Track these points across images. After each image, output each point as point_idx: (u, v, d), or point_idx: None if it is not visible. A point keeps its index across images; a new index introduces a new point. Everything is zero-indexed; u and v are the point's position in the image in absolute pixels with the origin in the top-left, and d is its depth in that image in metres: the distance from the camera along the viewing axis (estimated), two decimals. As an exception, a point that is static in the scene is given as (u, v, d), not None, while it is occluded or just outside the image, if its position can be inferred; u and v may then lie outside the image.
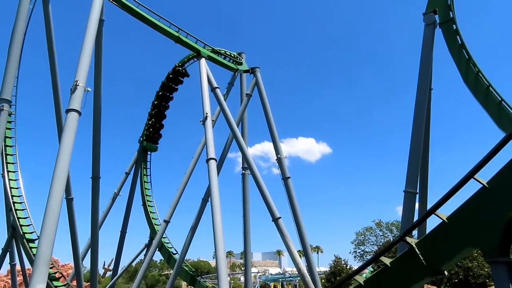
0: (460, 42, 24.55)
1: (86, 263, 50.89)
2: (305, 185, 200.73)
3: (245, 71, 41.03)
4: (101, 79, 27.34)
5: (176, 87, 43.40)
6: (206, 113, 29.96)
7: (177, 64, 41.76)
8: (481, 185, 9.23)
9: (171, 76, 42.00)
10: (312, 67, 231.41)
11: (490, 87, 23.54)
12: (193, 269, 45.60)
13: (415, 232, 24.48)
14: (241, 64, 41.11)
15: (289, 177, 34.78)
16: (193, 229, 36.85)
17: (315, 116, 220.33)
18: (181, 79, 42.96)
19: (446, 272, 10.61)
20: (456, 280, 45.23)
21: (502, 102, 22.88)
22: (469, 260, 43.74)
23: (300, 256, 34.31)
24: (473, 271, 43.90)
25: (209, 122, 29.81)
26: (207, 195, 34.34)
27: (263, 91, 38.14)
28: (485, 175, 9.41)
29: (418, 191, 24.33)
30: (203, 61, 33.66)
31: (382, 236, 60.25)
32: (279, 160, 35.84)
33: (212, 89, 33.67)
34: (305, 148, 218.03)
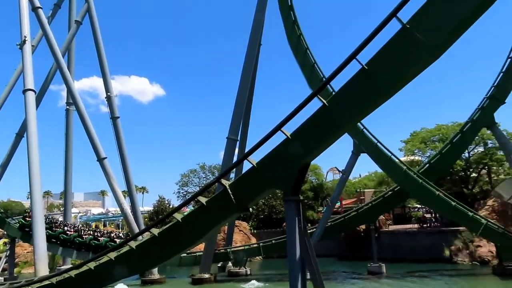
0: (289, 4, 26.89)
1: None
2: (135, 126, 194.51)
3: (75, -7, 36.80)
4: None
5: None
6: (25, 36, 26.31)
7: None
8: (286, 137, 10.90)
9: None
10: (153, 4, 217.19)
11: (308, 50, 26.79)
12: (2, 210, 41.00)
13: (233, 175, 26.89)
14: (70, -17, 36.60)
15: (118, 117, 33.67)
16: (4, 167, 33.15)
17: (150, 56, 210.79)
18: None
19: (251, 209, 12.40)
20: (262, 216, 52.10)
21: (315, 64, 26.43)
22: (274, 199, 50.68)
23: (124, 196, 34.39)
24: (275, 208, 51.21)
25: (27, 47, 26.31)
26: (23, 130, 31.03)
27: (95, 19, 34.95)
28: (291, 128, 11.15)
29: (239, 138, 26.68)
30: (21, -29, 28.68)
31: (204, 178, 64.19)
32: (108, 98, 34.18)
33: (33, 9, 29.35)
34: (138, 87, 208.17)
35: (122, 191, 33.20)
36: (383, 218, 42.80)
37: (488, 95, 25.82)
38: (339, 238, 40.10)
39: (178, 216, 12.54)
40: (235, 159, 25.68)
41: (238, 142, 26.66)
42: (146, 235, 14.40)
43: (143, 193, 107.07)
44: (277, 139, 11.17)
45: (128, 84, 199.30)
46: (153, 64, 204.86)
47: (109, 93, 34.11)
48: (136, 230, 28.71)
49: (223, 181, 11.71)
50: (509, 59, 24.40)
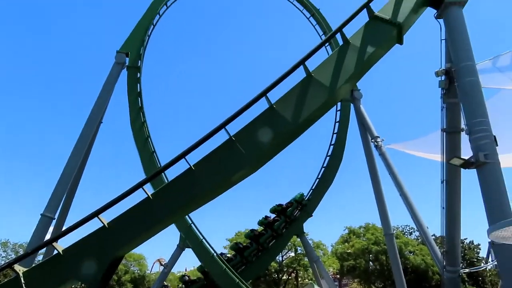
0: (138, 90, 27.35)
1: None
2: None
3: None
4: None
5: None
6: None
7: None
8: (102, 224, 10.38)
9: None
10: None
11: (149, 138, 27.06)
12: None
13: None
14: None
15: None
16: None
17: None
18: None
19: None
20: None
21: (154, 153, 26.66)
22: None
23: None
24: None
25: None
26: None
27: None
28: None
29: (56, 216, 23.99)
30: None
31: (5, 258, 54.29)
32: None
33: None
34: None
35: None
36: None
37: (300, 207, 29.54)
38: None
39: None
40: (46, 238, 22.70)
41: (54, 221, 23.88)
42: None
43: None
44: (95, 225, 10.58)
45: None
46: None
47: None
48: None
49: (17, 267, 10.20)
50: (317, 179, 28.90)
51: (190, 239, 27.01)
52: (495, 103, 16.53)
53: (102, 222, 10.35)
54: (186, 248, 27.79)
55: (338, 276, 55.06)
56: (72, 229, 10.36)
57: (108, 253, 10.38)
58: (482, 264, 41.92)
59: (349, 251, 47.51)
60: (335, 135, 28.53)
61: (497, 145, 10.78)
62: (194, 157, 10.95)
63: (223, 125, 10.60)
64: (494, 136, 10.87)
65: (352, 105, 25.70)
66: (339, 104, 27.99)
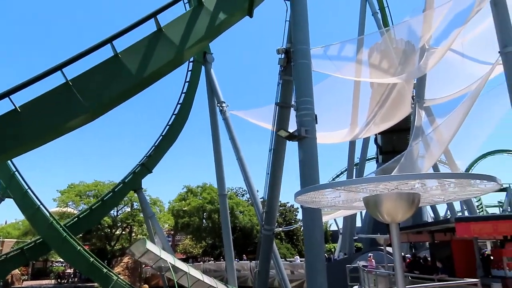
0: None
1: None
2: None
3: None
4: None
5: None
6: None
7: None
8: None
9: None
10: None
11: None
12: None
13: None
14: None
15: None
16: None
17: None
18: None
19: None
20: None
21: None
22: None
23: None
24: None
25: None
26: None
27: None
28: None
29: None
30: None
31: None
32: None
33: None
34: None
35: None
36: (19, 272, 38.72)
37: (140, 162, 29.25)
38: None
39: None
40: None
41: None
42: None
43: None
44: None
45: None
46: None
47: None
48: None
49: None
50: (161, 136, 28.90)
51: (13, 188, 24.41)
52: (323, 87, 18.91)
53: None
54: (7, 198, 25.04)
55: (172, 232, 56.71)
56: None
57: None
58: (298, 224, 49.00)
59: (185, 209, 49.11)
60: (183, 95, 28.69)
61: (316, 123, 12.39)
62: (24, 99, 9.98)
63: (59, 67, 9.84)
64: (316, 115, 12.48)
65: (203, 67, 26.05)
66: (190, 64, 28.10)
